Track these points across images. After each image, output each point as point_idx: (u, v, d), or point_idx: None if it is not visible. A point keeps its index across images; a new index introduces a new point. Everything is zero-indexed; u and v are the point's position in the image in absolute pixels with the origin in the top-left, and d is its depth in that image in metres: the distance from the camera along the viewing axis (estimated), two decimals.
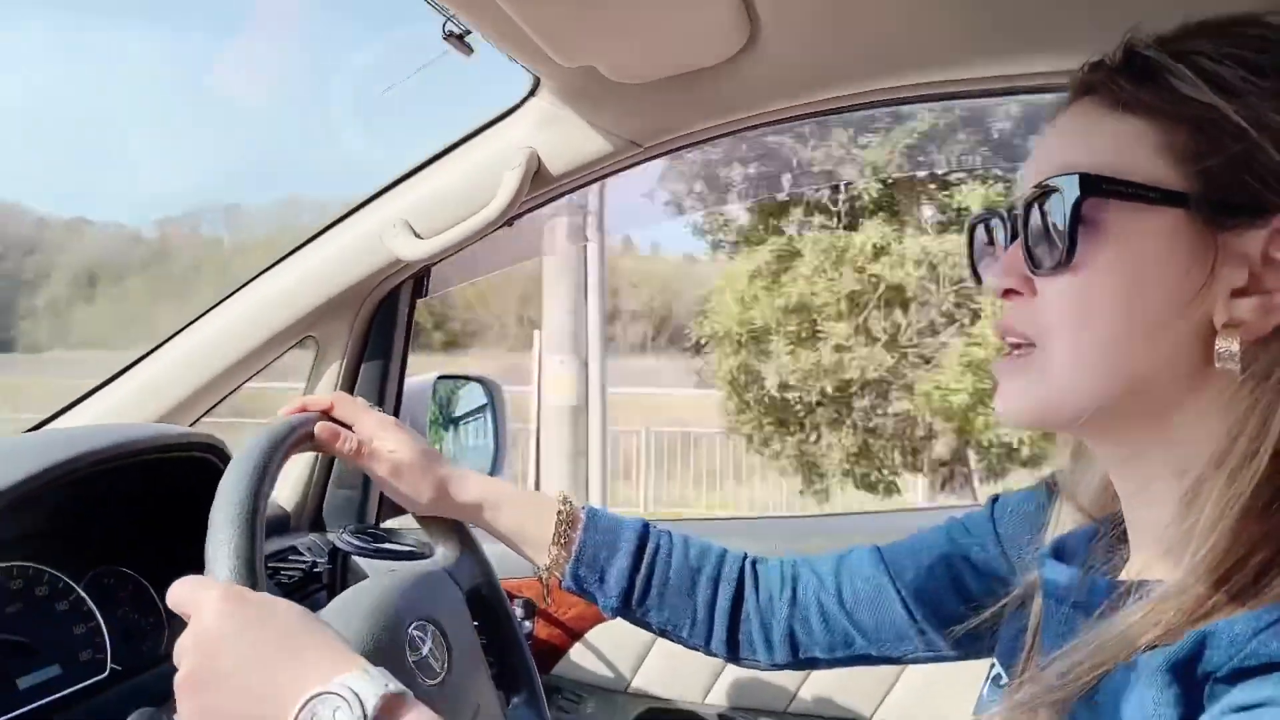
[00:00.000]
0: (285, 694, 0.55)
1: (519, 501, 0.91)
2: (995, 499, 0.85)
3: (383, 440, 0.88)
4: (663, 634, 0.91)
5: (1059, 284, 0.57)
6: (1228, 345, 0.53)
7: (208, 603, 0.60)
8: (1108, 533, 0.66)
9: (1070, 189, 0.55)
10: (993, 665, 0.73)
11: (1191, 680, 0.47)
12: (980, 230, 0.68)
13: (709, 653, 0.90)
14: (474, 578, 0.98)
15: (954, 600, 0.83)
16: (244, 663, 0.57)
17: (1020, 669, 0.66)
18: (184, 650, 0.59)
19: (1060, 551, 0.68)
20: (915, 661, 0.88)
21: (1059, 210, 0.56)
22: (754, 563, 0.92)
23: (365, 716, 0.53)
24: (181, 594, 0.62)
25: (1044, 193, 0.57)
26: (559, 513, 0.89)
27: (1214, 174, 0.53)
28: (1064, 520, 0.73)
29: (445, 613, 0.90)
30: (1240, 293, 0.53)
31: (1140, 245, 0.54)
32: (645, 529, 0.91)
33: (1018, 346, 0.61)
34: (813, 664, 0.89)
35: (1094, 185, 0.55)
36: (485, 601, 1.00)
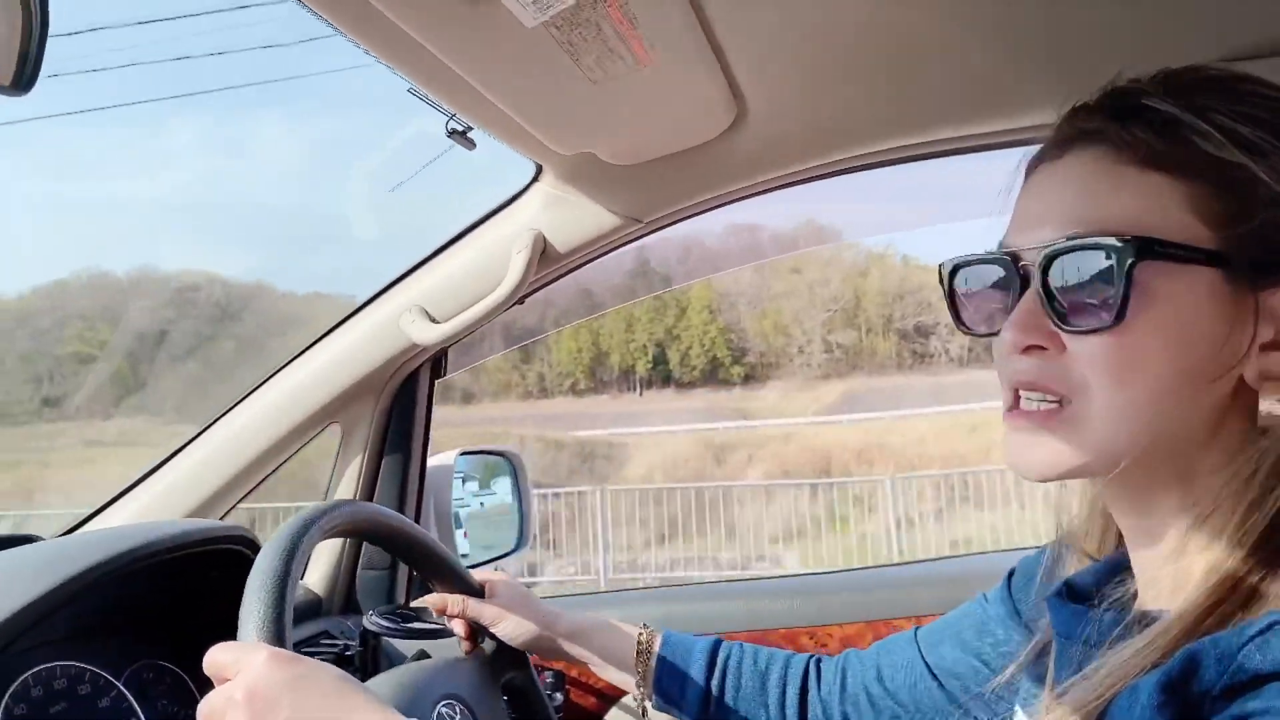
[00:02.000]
0: None
1: (604, 630, 1.03)
2: (1012, 571, 0.88)
3: (490, 589, 1.04)
4: None
5: (1097, 343, 0.56)
6: (1270, 407, 0.55)
7: (257, 662, 0.63)
8: (1114, 570, 0.67)
9: (1113, 250, 0.54)
10: (1017, 713, 0.74)
11: (1188, 699, 0.48)
12: (974, 271, 0.65)
13: None
14: (509, 669, 1.03)
15: (982, 672, 0.86)
16: (296, 713, 0.61)
17: (1039, 709, 0.68)
18: (229, 705, 0.62)
19: (1067, 592, 0.69)
20: None
21: (1097, 270, 0.55)
22: (818, 661, 1.00)
23: None
24: (223, 657, 0.66)
25: (1072, 250, 0.56)
26: (639, 636, 1.01)
27: (1249, 235, 0.54)
28: (1070, 565, 0.74)
29: (475, 694, 0.93)
30: (1269, 347, 0.55)
31: (1183, 306, 0.55)
32: (717, 643, 1.02)
33: (1038, 399, 0.60)
34: None
35: (1145, 248, 0.54)
36: (521, 692, 1.04)
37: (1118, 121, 0.58)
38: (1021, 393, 0.61)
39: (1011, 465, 0.61)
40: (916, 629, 0.95)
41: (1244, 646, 0.46)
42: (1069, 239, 0.57)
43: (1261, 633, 0.46)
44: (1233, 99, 0.56)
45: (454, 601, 1.02)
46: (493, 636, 1.03)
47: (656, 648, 1.01)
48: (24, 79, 0.51)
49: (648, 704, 1.00)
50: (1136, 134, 0.57)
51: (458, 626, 1.04)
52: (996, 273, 0.63)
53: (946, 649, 0.90)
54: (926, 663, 0.91)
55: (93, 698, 0.96)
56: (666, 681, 0.99)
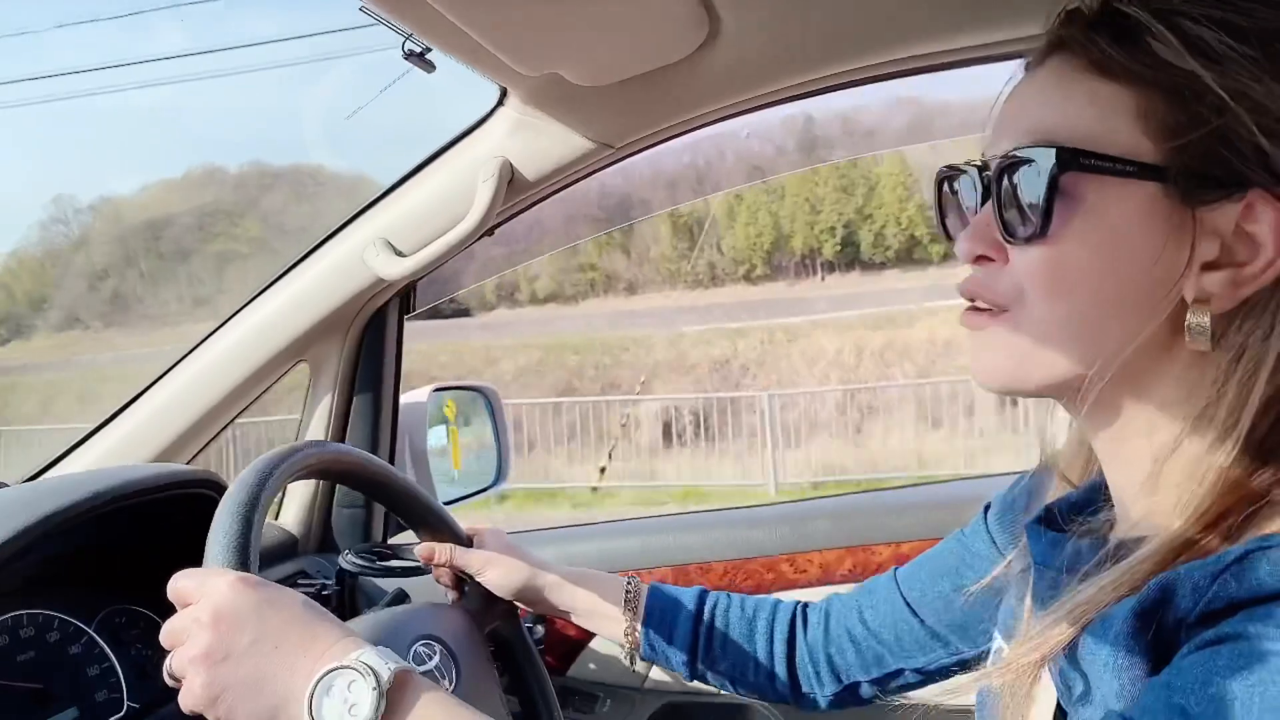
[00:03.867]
0: (300, 669, 0.60)
1: (590, 581, 1.03)
2: (988, 505, 0.88)
3: (478, 539, 1.04)
4: (731, 683, 1.00)
5: (1032, 254, 0.56)
6: (1199, 320, 0.53)
7: (222, 585, 0.63)
8: (1093, 497, 0.67)
9: (1046, 161, 0.54)
10: (995, 639, 0.75)
11: (1162, 627, 0.49)
12: (951, 183, 0.66)
13: (775, 696, 0.99)
14: (495, 617, 1.03)
15: (960, 603, 0.86)
16: (262, 639, 0.61)
17: (1018, 635, 0.68)
18: (195, 626, 0.62)
19: (1045, 519, 0.69)
20: (946, 670, 0.91)
21: (1035, 181, 0.55)
22: (804, 607, 1.00)
23: (380, 687, 0.58)
24: (187, 583, 0.66)
25: (1018, 160, 0.56)
26: (627, 587, 1.02)
27: (1192, 148, 0.52)
28: (1051, 492, 0.74)
29: (457, 639, 0.93)
30: (1210, 266, 0.53)
31: (1116, 219, 0.54)
32: (704, 592, 1.02)
33: (986, 308, 0.61)
34: (857, 690, 0.95)
35: (1072, 159, 0.54)
36: (507, 643, 1.05)
37: (1085, 29, 0.56)
38: (975, 302, 0.62)
39: (971, 372, 0.62)
40: (896, 569, 0.95)
41: (1219, 575, 0.46)
42: (1014, 149, 0.56)
43: (1237, 560, 0.46)
44: (1212, 1, 0.53)
45: (441, 549, 1.01)
46: (478, 585, 1.02)
47: (643, 599, 1.01)
48: None
49: (636, 654, 1.00)
50: (1098, 41, 0.55)
51: (444, 575, 1.04)
52: (970, 182, 0.63)
53: (926, 584, 0.90)
54: (906, 600, 0.91)
55: (62, 644, 0.95)
56: (655, 632, 0.99)
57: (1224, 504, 0.51)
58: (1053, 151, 0.54)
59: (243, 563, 0.68)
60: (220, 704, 0.60)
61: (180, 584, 0.66)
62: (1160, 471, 0.55)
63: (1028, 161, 0.55)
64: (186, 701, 0.62)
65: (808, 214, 22.93)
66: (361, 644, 0.62)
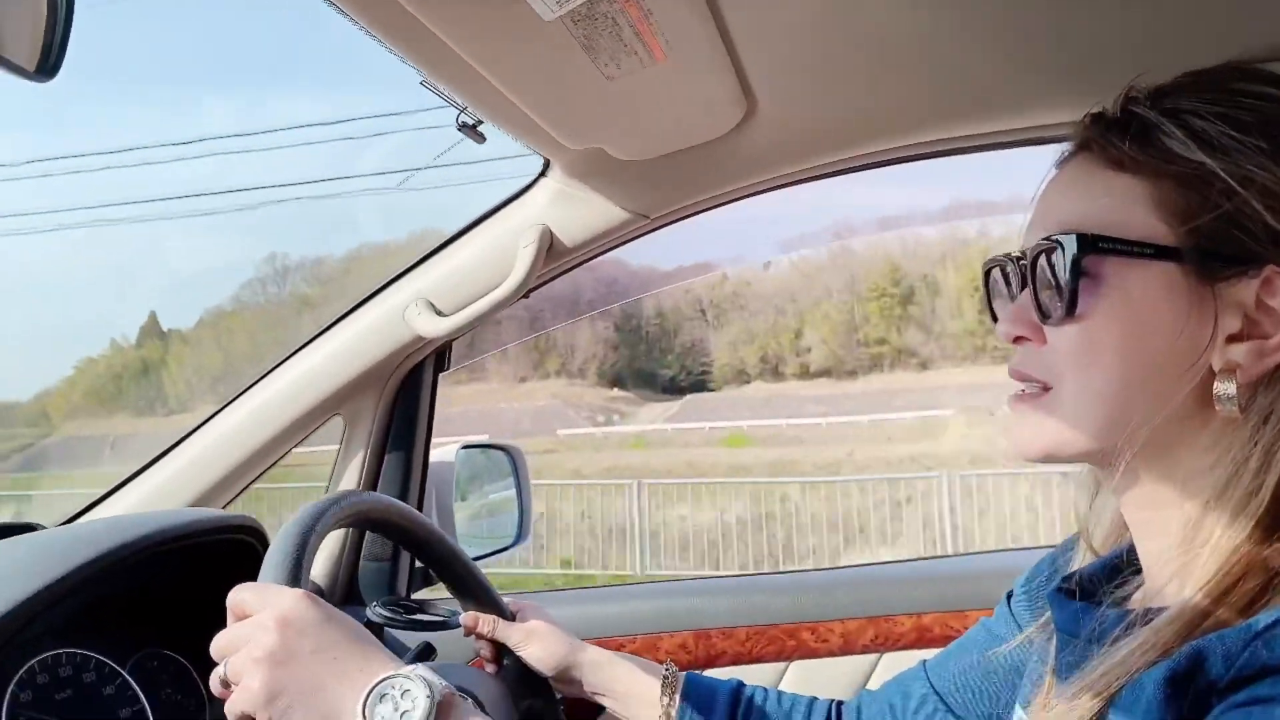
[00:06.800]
0: (357, 681, 0.64)
1: (628, 665, 1.03)
2: (1010, 593, 0.89)
3: (521, 614, 1.06)
4: None
5: (1066, 333, 0.61)
6: (1225, 388, 0.56)
7: (288, 597, 0.68)
8: (1116, 566, 0.69)
9: (1070, 246, 0.59)
10: (1016, 712, 0.75)
11: (1194, 693, 0.50)
12: (995, 272, 0.71)
13: None
14: (531, 694, 1.04)
15: (990, 691, 0.88)
16: (323, 649, 0.65)
17: (1039, 705, 0.68)
18: (259, 630, 0.66)
19: (1069, 588, 0.70)
20: None
21: (1062, 265, 0.60)
22: (839, 705, 1.01)
23: (433, 695, 0.62)
24: (249, 595, 0.70)
25: (1047, 248, 0.61)
26: (665, 673, 1.01)
27: (1205, 230, 0.57)
28: (1075, 561, 0.75)
29: (489, 699, 0.95)
30: (1235, 338, 0.57)
31: (1138, 298, 0.58)
32: (739, 685, 1.02)
33: (1030, 387, 0.65)
34: None
35: (1091, 243, 0.59)
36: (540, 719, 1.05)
37: (1104, 130, 0.62)
38: (1021, 382, 0.66)
39: (1008, 444, 0.66)
40: (925, 662, 0.96)
41: (1250, 643, 0.48)
42: (1044, 239, 0.62)
43: (1268, 628, 0.48)
44: (1216, 99, 0.59)
45: (485, 620, 1.04)
46: (518, 659, 1.04)
47: (681, 684, 1.01)
48: (48, 66, 0.51)
49: None
50: (1114, 140, 0.61)
51: (485, 648, 1.06)
52: (1011, 271, 0.68)
53: (954, 675, 0.91)
54: (936, 691, 0.92)
55: (97, 685, 0.97)
56: (691, 713, 0.99)
57: (1249, 570, 0.53)
58: (1074, 237, 0.59)
59: (297, 582, 0.72)
60: (277, 704, 0.63)
61: (242, 595, 0.70)
62: (1190, 539, 0.57)
63: (1056, 249, 0.60)
64: (242, 699, 0.64)
65: None
66: (413, 666, 0.65)
